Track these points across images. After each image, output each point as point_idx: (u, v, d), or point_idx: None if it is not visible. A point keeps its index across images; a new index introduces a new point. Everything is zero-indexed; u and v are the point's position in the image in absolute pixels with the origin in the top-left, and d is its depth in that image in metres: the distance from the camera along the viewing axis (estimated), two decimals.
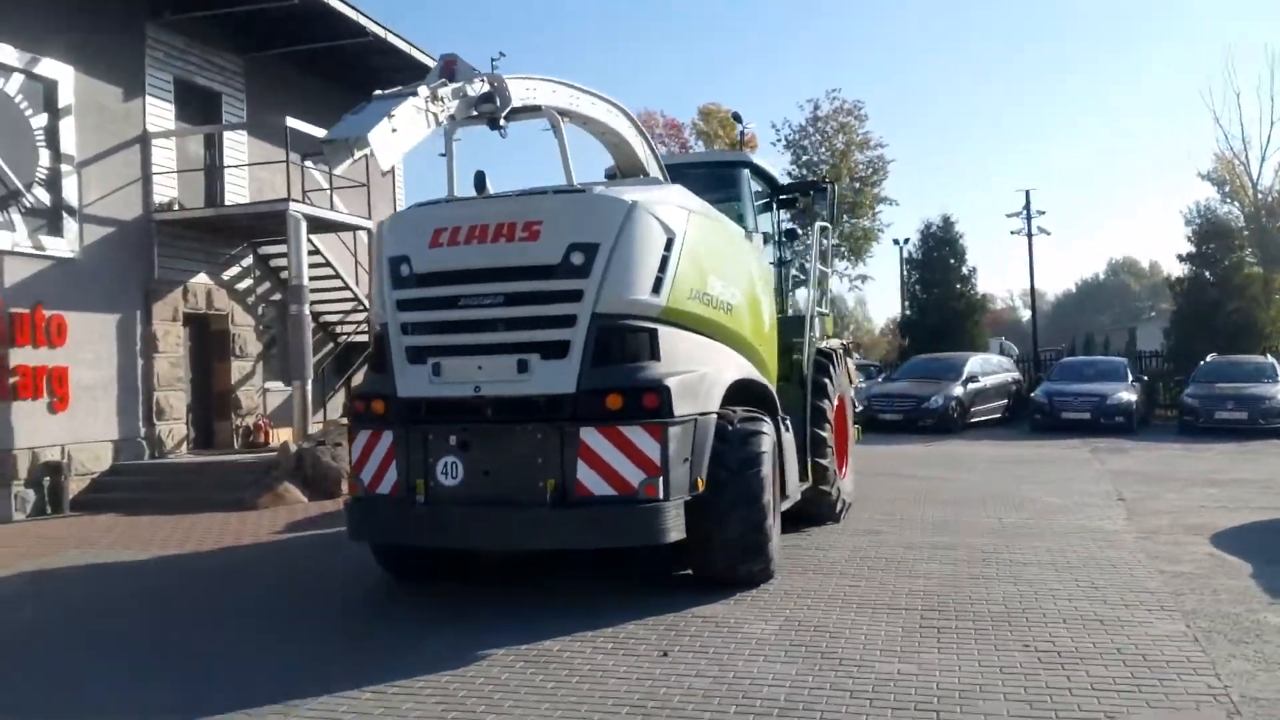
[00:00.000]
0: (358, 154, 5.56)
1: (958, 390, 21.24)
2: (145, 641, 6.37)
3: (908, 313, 33.16)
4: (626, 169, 8.99)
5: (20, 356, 12.51)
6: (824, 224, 10.54)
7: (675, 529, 6.30)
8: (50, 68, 13.08)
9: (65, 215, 13.29)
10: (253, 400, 16.42)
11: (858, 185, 45.73)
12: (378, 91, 6.17)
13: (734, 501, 6.76)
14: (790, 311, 10.42)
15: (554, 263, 6.39)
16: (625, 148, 8.79)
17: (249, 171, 16.43)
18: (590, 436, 6.26)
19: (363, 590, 7.49)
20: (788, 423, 8.37)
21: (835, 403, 9.59)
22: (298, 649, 6.03)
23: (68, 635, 6.57)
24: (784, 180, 11.13)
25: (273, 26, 15.68)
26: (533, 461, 6.36)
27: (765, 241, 10.54)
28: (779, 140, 47.06)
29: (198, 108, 15.88)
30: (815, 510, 9.39)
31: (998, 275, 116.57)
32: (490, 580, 7.66)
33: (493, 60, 21.33)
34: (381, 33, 16.41)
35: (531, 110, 7.00)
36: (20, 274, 12.64)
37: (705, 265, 7.08)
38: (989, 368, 23.29)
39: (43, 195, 13.07)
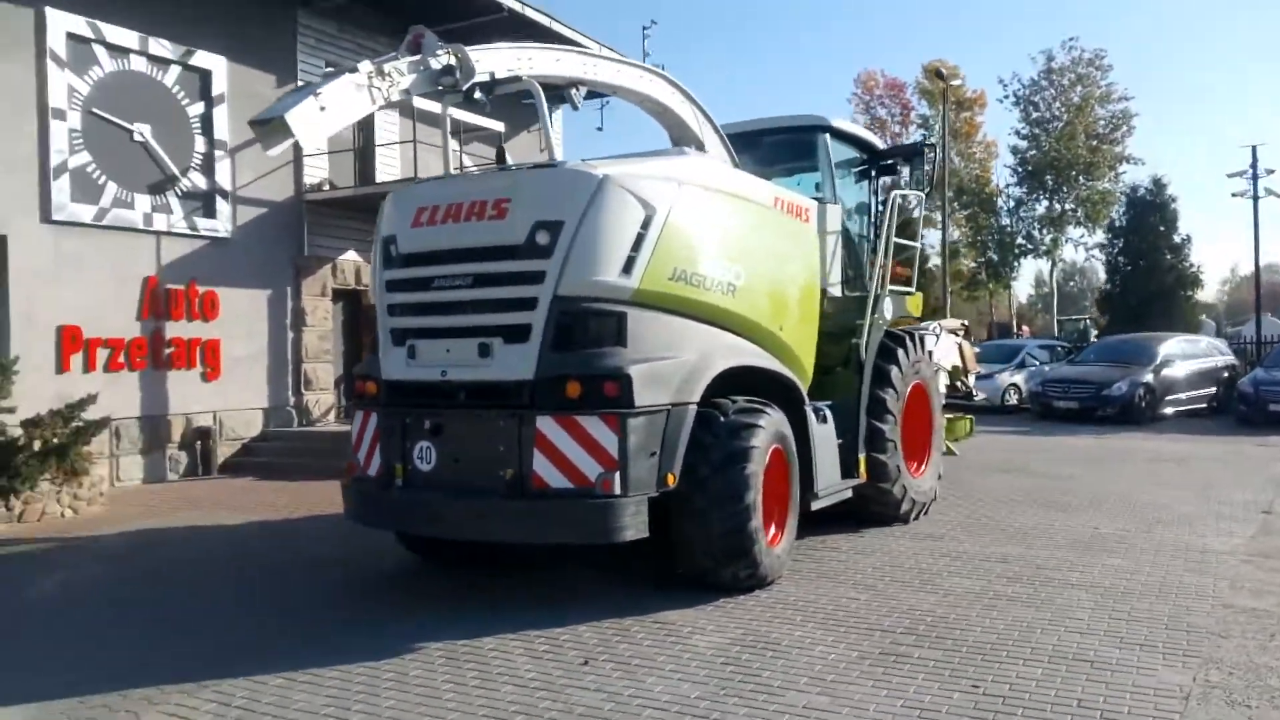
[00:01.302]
0: (281, 137, 5.54)
1: (1147, 377, 19.02)
2: (150, 609, 6.76)
3: (1106, 286, 30.14)
4: (678, 139, 8.60)
5: (175, 330, 13.68)
6: (904, 192, 9.65)
7: (634, 527, 5.96)
8: (204, 59, 14.11)
9: (219, 197, 14.35)
10: None
11: (1094, 143, 42.20)
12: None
13: (715, 500, 6.33)
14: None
15: (519, 242, 6.17)
16: (670, 116, 8.40)
17: (399, 149, 17.08)
18: (547, 426, 6.02)
19: (381, 571, 7.61)
20: (824, 414, 7.75)
21: (904, 391, 8.79)
22: (256, 625, 6.20)
23: (100, 597, 7.09)
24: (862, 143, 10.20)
25: (423, 7, 16.16)
26: (495, 450, 6.20)
27: (862, 212, 9.81)
28: (1006, 97, 44.08)
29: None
30: (877, 510, 8.69)
31: (1214, 244, 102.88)
32: (509, 569, 7.54)
33: (644, 29, 21.21)
34: (519, 7, 16.56)
35: (515, 81, 6.75)
36: (176, 253, 13.79)
37: (698, 243, 6.61)
38: (1192, 351, 20.61)
39: (198, 179, 14.16)
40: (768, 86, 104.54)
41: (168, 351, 13.57)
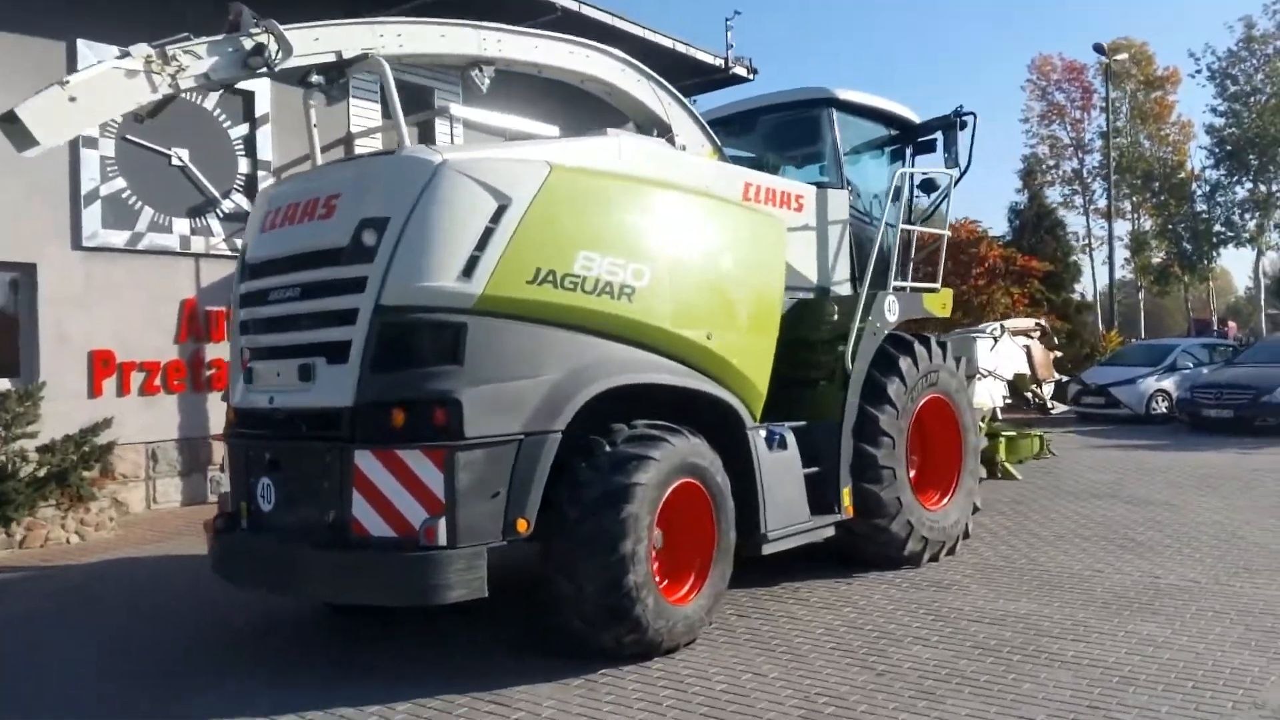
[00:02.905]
0: (25, 136, 4.80)
1: None
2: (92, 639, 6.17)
3: None
4: (643, 122, 7.50)
5: (216, 351, 13.52)
6: (913, 171, 8.14)
7: (464, 585, 4.88)
8: (246, 81, 13.95)
9: None
10: None
11: None
12: None
13: (584, 549, 5.18)
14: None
15: (344, 245, 5.22)
16: (624, 98, 7.35)
17: None
18: (366, 462, 5.02)
19: (268, 624, 6.79)
20: (780, 438, 6.43)
21: (907, 407, 7.29)
22: (122, 677, 5.47)
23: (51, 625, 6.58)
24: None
25: (481, 12, 15.57)
26: (320, 489, 5.25)
27: (893, 198, 8.39)
28: (1198, 71, 40.07)
29: (409, 105, 16.25)
30: (872, 550, 7.23)
31: None
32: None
33: (727, 20, 19.92)
34: (574, 6, 15.72)
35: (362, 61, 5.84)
36: (216, 275, 13.65)
37: (575, 237, 5.45)
38: None
39: (241, 200, 14.01)
40: (936, 74, 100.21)
41: (208, 374, 13.41)
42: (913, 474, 7.83)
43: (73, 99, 4.94)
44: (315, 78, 5.82)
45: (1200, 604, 6.12)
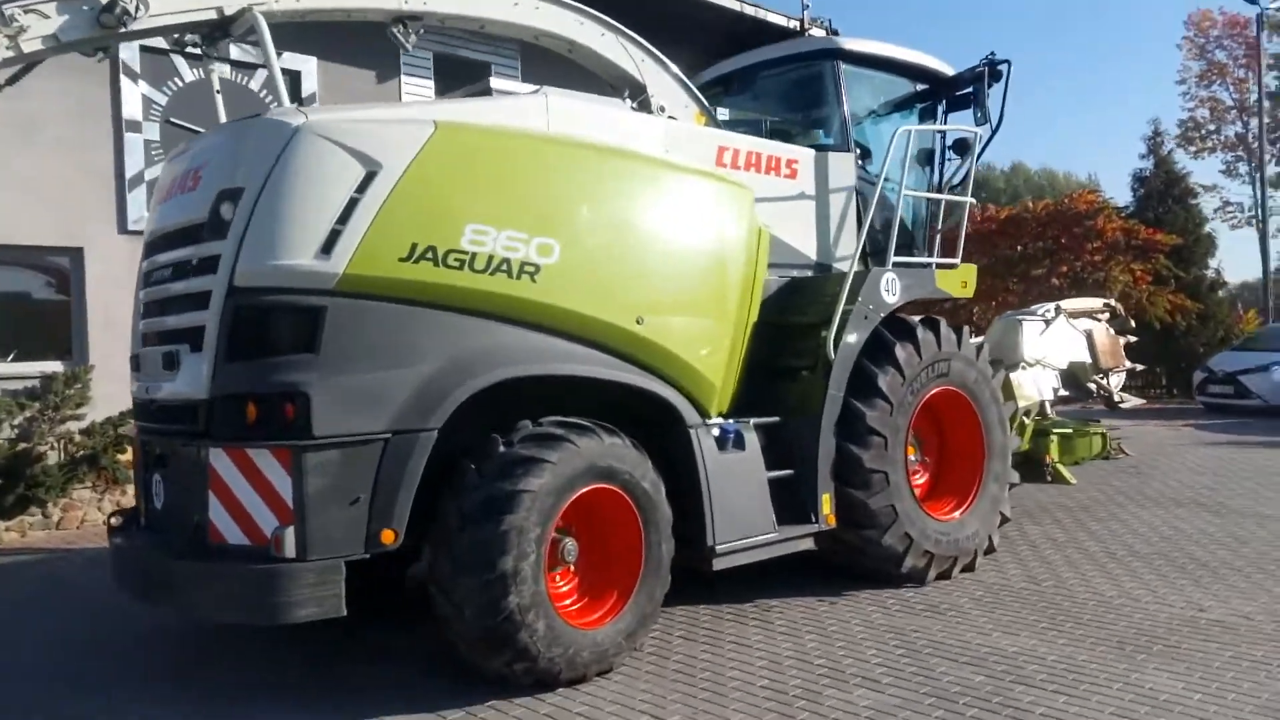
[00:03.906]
0: None
1: None
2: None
3: None
4: (614, 82, 6.82)
5: None
6: (919, 128, 7.09)
7: (315, 603, 4.32)
8: (293, 60, 13.78)
9: None
10: None
11: None
12: None
13: (461, 566, 4.56)
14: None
15: (203, 220, 4.71)
16: (589, 55, 6.69)
17: None
18: (219, 461, 4.50)
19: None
20: (734, 436, 5.63)
21: (905, 400, 6.33)
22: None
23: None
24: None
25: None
26: (190, 490, 4.77)
27: (920, 161, 7.49)
28: None
29: (465, 80, 15.86)
30: (866, 565, 6.34)
31: None
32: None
33: None
34: (736, 6, 15.01)
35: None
36: None
37: (465, 207, 4.76)
38: None
39: None
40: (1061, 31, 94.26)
41: None
42: (922, 479, 6.88)
43: None
44: (190, 37, 5.29)
45: (1238, 649, 4.99)
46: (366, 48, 14.41)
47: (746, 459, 5.68)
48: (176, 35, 5.40)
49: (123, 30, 5.00)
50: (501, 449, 4.70)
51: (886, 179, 6.91)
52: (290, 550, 4.30)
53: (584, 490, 4.81)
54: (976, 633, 5.40)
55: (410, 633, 5.61)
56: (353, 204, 4.52)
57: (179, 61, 12.83)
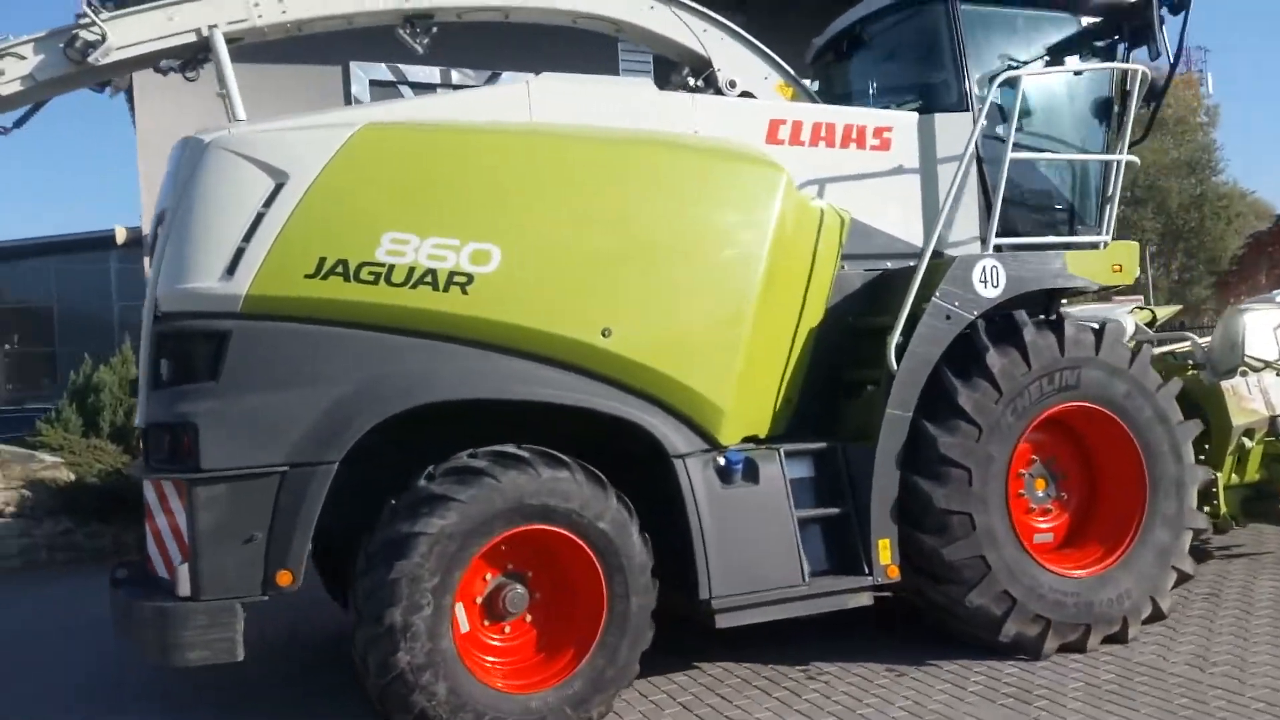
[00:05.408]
0: None
1: None
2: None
3: None
4: (674, 59, 6.26)
5: None
6: (1026, 74, 5.56)
7: (205, 647, 4.08)
8: (511, 79, 14.12)
9: None
10: None
11: None
12: None
13: (359, 615, 4.12)
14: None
15: (152, 243, 4.68)
16: (639, 33, 6.16)
17: None
18: (148, 492, 4.43)
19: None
20: (741, 467, 4.72)
21: (1007, 425, 4.95)
22: None
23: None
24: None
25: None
26: None
27: (1067, 115, 6.20)
28: None
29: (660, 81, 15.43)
30: (958, 628, 5.06)
31: None
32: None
33: None
34: None
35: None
36: None
37: (382, 214, 4.28)
38: None
39: None
40: None
41: None
42: (1056, 521, 5.40)
43: None
44: (166, 63, 5.26)
45: None
46: (591, 60, 14.43)
47: (761, 494, 4.70)
48: (154, 67, 5.39)
49: (94, 65, 5.06)
50: (420, 483, 4.20)
51: (1017, 141, 5.53)
52: (185, 589, 4.10)
53: (509, 532, 4.18)
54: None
55: None
56: (259, 219, 4.24)
57: (405, 91, 13.55)
